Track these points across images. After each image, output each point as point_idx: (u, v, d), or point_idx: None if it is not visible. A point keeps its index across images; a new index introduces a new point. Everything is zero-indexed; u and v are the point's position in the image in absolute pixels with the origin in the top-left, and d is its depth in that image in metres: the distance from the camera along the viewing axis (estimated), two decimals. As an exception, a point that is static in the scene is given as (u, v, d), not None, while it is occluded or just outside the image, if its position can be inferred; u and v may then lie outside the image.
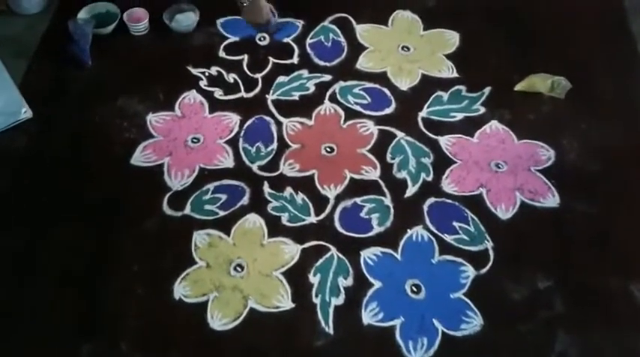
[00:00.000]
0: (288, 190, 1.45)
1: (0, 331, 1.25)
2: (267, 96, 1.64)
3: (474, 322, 1.25)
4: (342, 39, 1.78)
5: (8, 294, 1.30)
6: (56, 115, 1.60)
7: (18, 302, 1.29)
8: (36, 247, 1.36)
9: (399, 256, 1.34)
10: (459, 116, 1.59)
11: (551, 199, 1.43)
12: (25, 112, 1.57)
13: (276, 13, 1.79)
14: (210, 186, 1.45)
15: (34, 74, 1.68)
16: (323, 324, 1.25)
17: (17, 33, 1.83)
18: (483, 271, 1.32)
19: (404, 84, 1.67)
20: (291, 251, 1.35)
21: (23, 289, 1.30)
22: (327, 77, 1.68)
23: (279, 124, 1.58)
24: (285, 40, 1.78)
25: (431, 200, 1.43)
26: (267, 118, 1.59)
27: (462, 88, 1.65)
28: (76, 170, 1.49)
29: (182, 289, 1.29)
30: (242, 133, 1.56)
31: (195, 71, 1.69)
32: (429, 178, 1.47)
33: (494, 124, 1.58)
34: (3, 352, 1.23)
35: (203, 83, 1.67)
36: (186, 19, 1.78)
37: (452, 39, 1.78)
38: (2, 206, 1.44)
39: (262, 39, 1.78)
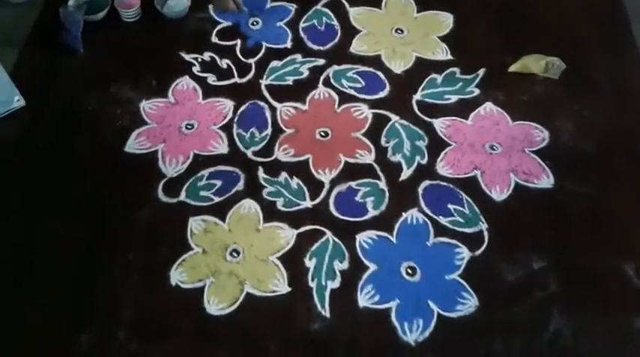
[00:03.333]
0: (283, 175, 1.45)
1: (-2, 322, 1.26)
2: (260, 81, 1.63)
3: (469, 303, 1.26)
4: (335, 22, 1.77)
5: (4, 286, 1.30)
6: (49, 104, 1.59)
7: (14, 294, 1.29)
8: (31, 237, 1.36)
9: (394, 239, 1.35)
10: (454, 98, 1.59)
11: (546, 180, 1.43)
12: (18, 101, 1.56)
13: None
14: (205, 172, 1.45)
15: (26, 63, 1.67)
16: (319, 307, 1.25)
17: (8, 21, 1.81)
18: (478, 252, 1.32)
19: (398, 67, 1.66)
20: (286, 236, 1.35)
21: (19, 281, 1.30)
22: (321, 61, 1.67)
23: (273, 109, 1.57)
24: (278, 24, 1.77)
25: (426, 183, 1.43)
26: (261, 104, 1.58)
27: (456, 70, 1.65)
28: (70, 158, 1.49)
29: (178, 275, 1.29)
30: (236, 119, 1.55)
31: (187, 57, 1.68)
32: (424, 161, 1.47)
33: (488, 105, 1.57)
34: (2, 344, 1.23)
35: (196, 69, 1.66)
36: (178, 5, 1.77)
37: (446, 21, 1.77)
38: (-4, 196, 1.44)
39: (255, 24, 1.77)
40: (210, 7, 1.80)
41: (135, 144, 1.51)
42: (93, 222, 1.38)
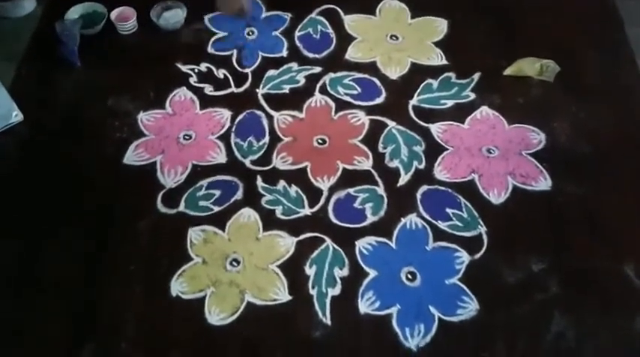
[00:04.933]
0: (282, 184, 1.45)
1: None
2: (257, 90, 1.64)
3: (469, 307, 1.26)
4: (330, 30, 1.78)
5: (5, 299, 1.30)
6: (47, 118, 1.60)
7: (16, 307, 1.29)
8: (31, 251, 1.36)
9: (393, 245, 1.35)
10: (450, 103, 1.60)
11: (543, 183, 1.44)
12: (16, 116, 1.57)
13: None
14: (204, 182, 1.46)
15: (24, 77, 1.67)
16: (320, 315, 1.26)
17: (5, 36, 1.83)
18: (478, 256, 1.33)
19: (393, 73, 1.67)
20: (286, 244, 1.35)
21: (20, 294, 1.31)
22: (317, 69, 1.68)
23: (270, 117, 1.58)
24: (274, 33, 1.78)
25: (424, 188, 1.44)
26: (258, 113, 1.59)
27: (452, 75, 1.65)
28: (69, 172, 1.49)
29: (179, 286, 1.30)
30: (234, 128, 1.56)
31: (184, 68, 1.69)
32: (421, 166, 1.47)
33: (484, 109, 1.58)
34: None
35: (193, 80, 1.66)
36: (174, 17, 1.78)
37: (440, 26, 1.78)
38: (-4, 210, 1.44)
39: (251, 33, 1.78)
40: (206, 18, 1.81)
41: (133, 156, 1.51)
42: (93, 234, 1.38)
